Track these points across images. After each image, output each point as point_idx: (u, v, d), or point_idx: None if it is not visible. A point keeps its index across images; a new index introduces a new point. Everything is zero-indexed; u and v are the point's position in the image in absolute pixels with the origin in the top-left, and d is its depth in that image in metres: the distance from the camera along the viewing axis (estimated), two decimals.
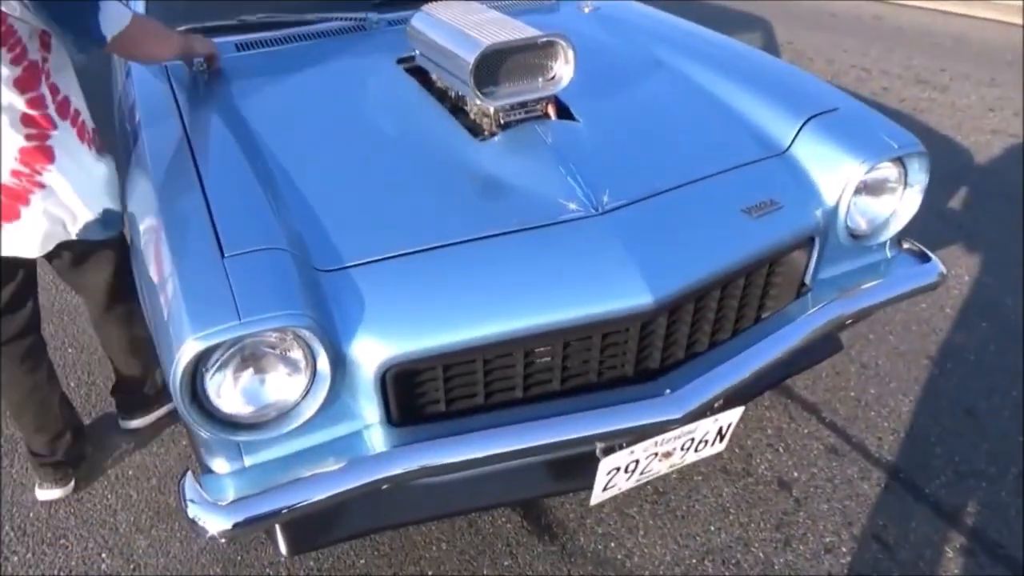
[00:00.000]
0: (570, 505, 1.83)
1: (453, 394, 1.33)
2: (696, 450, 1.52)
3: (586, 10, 2.29)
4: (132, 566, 1.71)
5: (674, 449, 1.47)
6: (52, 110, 1.39)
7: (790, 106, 1.70)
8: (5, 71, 1.30)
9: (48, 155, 1.40)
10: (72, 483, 1.87)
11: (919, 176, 1.62)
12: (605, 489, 1.46)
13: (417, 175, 1.48)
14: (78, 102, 1.48)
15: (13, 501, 1.86)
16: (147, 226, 1.36)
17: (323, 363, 1.17)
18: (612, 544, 1.75)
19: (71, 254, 1.58)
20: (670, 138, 1.65)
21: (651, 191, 1.43)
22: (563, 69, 1.53)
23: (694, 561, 1.72)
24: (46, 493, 1.85)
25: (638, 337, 1.35)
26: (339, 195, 1.43)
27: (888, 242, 1.70)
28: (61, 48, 1.41)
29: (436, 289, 1.26)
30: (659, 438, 1.41)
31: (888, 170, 1.61)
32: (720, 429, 1.50)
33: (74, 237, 1.50)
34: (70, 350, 2.34)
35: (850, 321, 1.62)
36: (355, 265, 1.27)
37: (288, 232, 1.29)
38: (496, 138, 1.54)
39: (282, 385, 1.20)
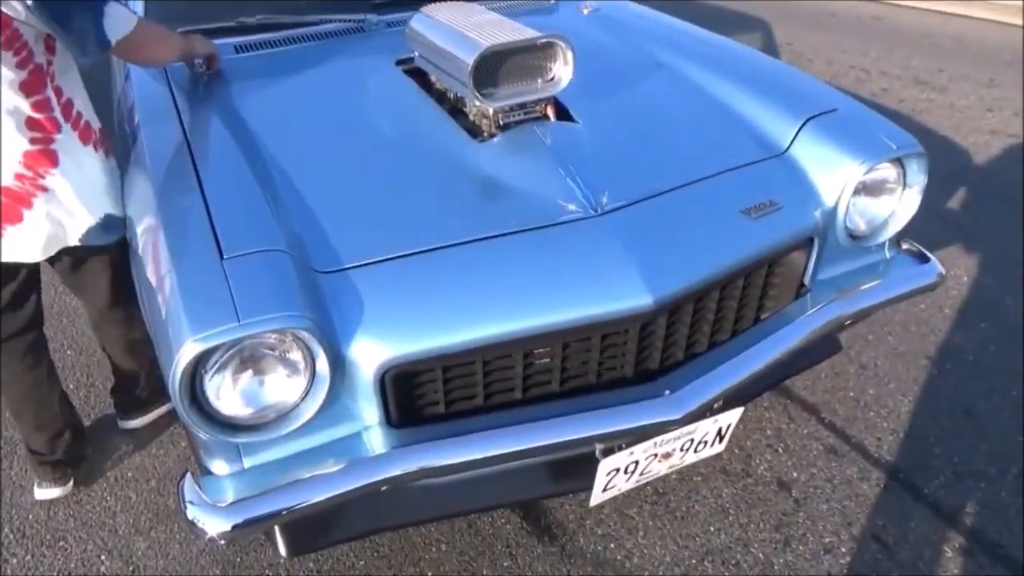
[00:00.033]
0: (570, 506, 1.83)
1: (452, 395, 1.33)
2: (695, 451, 1.52)
3: (585, 11, 2.29)
4: (131, 568, 1.71)
5: (673, 450, 1.47)
6: (57, 113, 1.40)
7: (789, 107, 1.70)
8: (11, 74, 1.30)
9: (52, 159, 1.40)
10: (71, 483, 1.87)
11: (918, 177, 1.62)
12: (605, 490, 1.46)
13: (416, 176, 1.48)
14: (82, 103, 1.48)
15: (12, 503, 1.86)
16: (146, 228, 1.36)
17: (322, 364, 1.17)
18: (612, 545, 1.75)
19: (71, 258, 1.58)
20: (669, 139, 1.65)
21: (650, 192, 1.43)
22: (562, 70, 1.53)
23: (694, 562, 1.72)
24: (45, 492, 1.85)
25: (637, 338, 1.35)
26: (338, 196, 1.43)
27: (887, 243, 1.70)
28: (65, 50, 1.41)
29: (435, 290, 1.26)
30: (659, 439, 1.41)
31: (887, 171, 1.61)
32: (719, 430, 1.50)
33: (77, 243, 1.50)
34: (69, 352, 2.34)
35: (849, 322, 1.62)
36: (354, 267, 1.27)
37: (287, 234, 1.29)
38: (495, 139, 1.54)
39: (281, 387, 1.20)
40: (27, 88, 1.33)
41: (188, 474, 1.24)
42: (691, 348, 1.47)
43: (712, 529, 1.79)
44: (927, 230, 2.77)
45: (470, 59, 1.42)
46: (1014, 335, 2.41)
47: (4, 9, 1.24)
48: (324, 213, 1.37)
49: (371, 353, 1.20)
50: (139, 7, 1.93)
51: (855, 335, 2.39)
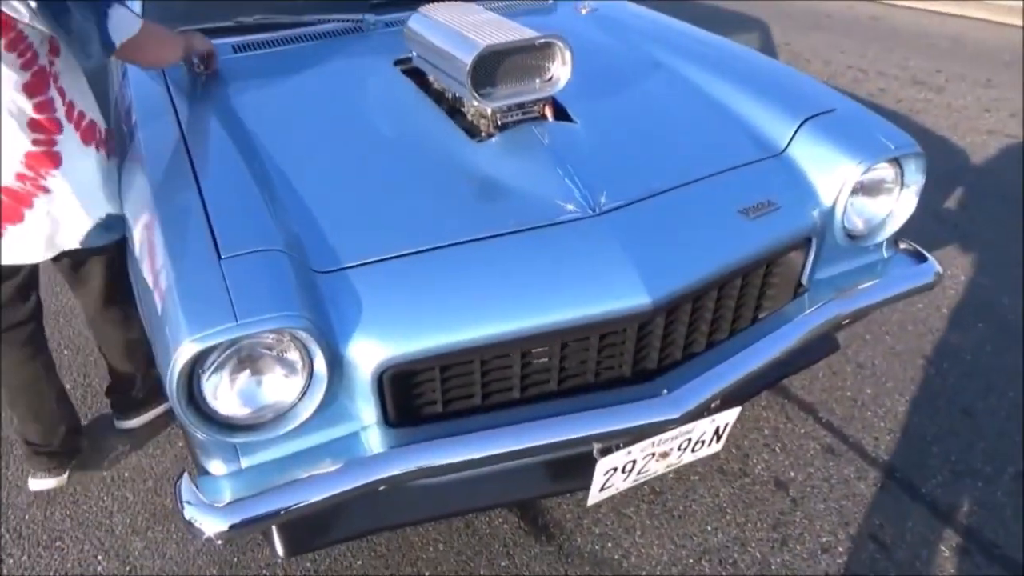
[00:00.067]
0: (567, 505, 1.83)
1: (450, 395, 1.33)
2: (693, 450, 1.53)
3: (583, 11, 2.29)
4: (128, 568, 1.71)
5: (671, 449, 1.48)
6: (60, 114, 1.40)
7: (787, 107, 1.70)
8: (14, 76, 1.30)
9: (54, 160, 1.41)
10: (66, 475, 1.88)
11: (915, 177, 1.63)
12: (602, 489, 1.46)
13: (414, 176, 1.48)
14: (84, 104, 1.49)
15: (8, 503, 1.86)
16: (143, 228, 1.36)
17: (320, 364, 1.17)
18: (609, 544, 1.75)
19: (71, 259, 1.59)
20: (667, 139, 1.65)
21: (648, 192, 1.43)
22: (560, 70, 1.53)
23: (691, 561, 1.72)
24: (39, 483, 1.85)
25: (635, 338, 1.35)
26: (336, 196, 1.42)
27: (885, 242, 1.71)
28: (69, 51, 1.41)
29: (433, 290, 1.26)
30: (656, 438, 1.41)
31: (885, 171, 1.61)
32: (717, 429, 1.50)
33: (78, 246, 1.51)
34: (66, 352, 2.33)
35: (847, 321, 1.62)
36: (352, 266, 1.27)
37: (285, 233, 1.29)
38: (493, 139, 1.54)
39: (279, 386, 1.20)
40: (30, 89, 1.34)
41: (185, 474, 1.24)
42: (689, 348, 1.47)
43: (709, 528, 1.79)
44: (924, 230, 2.78)
45: (468, 59, 1.42)
46: (1011, 334, 2.42)
47: (7, 11, 1.24)
48: (322, 213, 1.37)
49: (369, 353, 1.20)
50: (136, 7, 1.92)
51: (853, 334, 2.40)
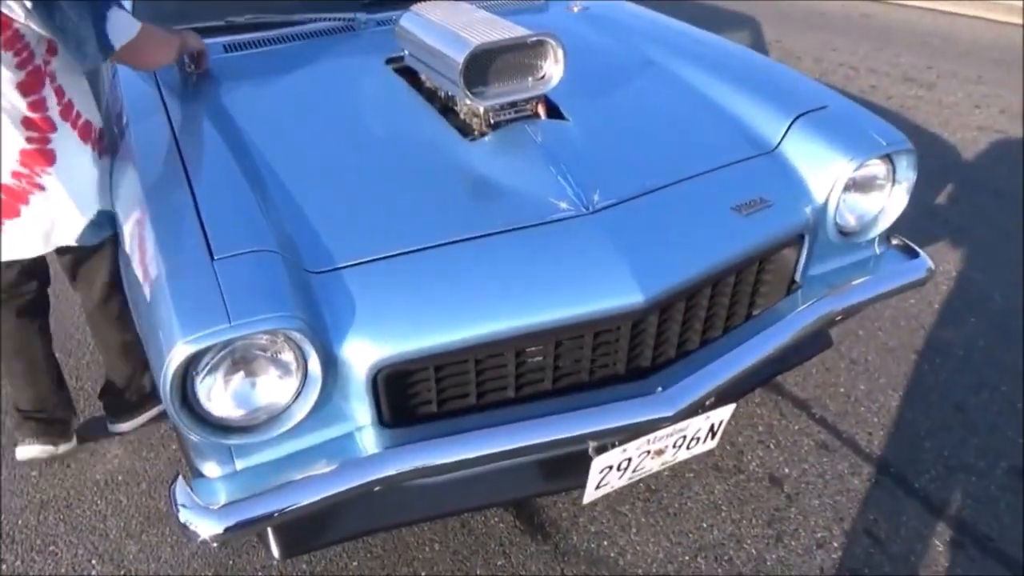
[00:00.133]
0: (563, 504, 1.84)
1: (445, 395, 1.33)
2: (688, 447, 1.53)
3: (575, 10, 2.29)
4: (123, 572, 1.70)
5: (666, 447, 1.48)
6: (54, 112, 1.42)
7: (779, 104, 1.70)
8: (10, 74, 1.32)
9: (48, 158, 1.42)
10: (53, 446, 1.89)
11: (907, 173, 1.63)
12: (598, 487, 1.47)
13: (407, 175, 1.47)
14: (82, 103, 1.50)
15: (2, 508, 1.85)
16: (135, 229, 1.35)
17: (314, 365, 1.17)
18: (605, 542, 1.75)
19: (73, 255, 1.62)
20: (660, 137, 1.65)
21: (641, 190, 1.44)
22: (553, 68, 1.53)
23: (687, 558, 1.72)
24: (26, 450, 1.87)
25: (629, 336, 1.35)
26: (328, 196, 1.42)
27: (877, 239, 1.71)
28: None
29: (427, 290, 1.26)
30: (651, 436, 1.41)
31: (876, 167, 1.62)
32: (711, 426, 1.51)
33: (74, 243, 1.53)
34: (58, 355, 2.31)
35: (840, 317, 1.63)
36: (345, 266, 1.27)
37: (278, 234, 1.28)
38: (486, 138, 1.54)
39: (273, 388, 1.19)
40: (24, 88, 1.35)
41: (180, 477, 1.23)
42: (683, 345, 1.47)
43: (705, 525, 1.79)
44: (916, 226, 2.79)
45: (460, 57, 1.42)
46: (1003, 330, 2.43)
47: (3, 10, 1.24)
48: (314, 213, 1.37)
49: (363, 353, 1.20)
50: (127, 6, 1.91)
51: (846, 331, 2.41)
